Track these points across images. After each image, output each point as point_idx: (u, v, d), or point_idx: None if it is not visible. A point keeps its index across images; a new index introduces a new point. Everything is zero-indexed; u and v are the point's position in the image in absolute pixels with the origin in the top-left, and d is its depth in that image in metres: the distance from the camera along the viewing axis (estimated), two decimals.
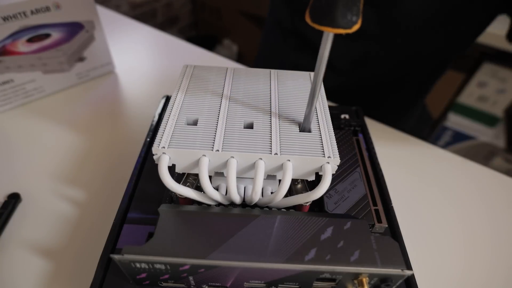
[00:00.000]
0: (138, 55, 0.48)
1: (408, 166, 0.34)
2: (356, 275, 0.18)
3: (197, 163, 0.19)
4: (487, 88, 0.91)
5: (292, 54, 0.51)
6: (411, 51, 0.42)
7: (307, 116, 0.20)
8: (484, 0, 0.37)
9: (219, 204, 0.22)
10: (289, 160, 0.19)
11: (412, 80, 0.47)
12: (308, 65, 0.49)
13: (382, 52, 0.43)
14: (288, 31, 0.50)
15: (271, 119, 0.22)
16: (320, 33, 0.17)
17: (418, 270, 0.23)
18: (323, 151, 0.20)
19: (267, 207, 0.22)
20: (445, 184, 0.32)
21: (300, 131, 0.21)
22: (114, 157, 0.32)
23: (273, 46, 0.55)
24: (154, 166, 0.21)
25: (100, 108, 0.38)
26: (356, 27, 0.15)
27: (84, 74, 0.41)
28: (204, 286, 0.20)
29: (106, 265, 0.20)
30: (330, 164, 0.19)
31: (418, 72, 0.46)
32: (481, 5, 0.37)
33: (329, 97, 0.41)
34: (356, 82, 0.48)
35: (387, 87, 0.48)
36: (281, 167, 0.20)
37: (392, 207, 0.24)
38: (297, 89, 0.25)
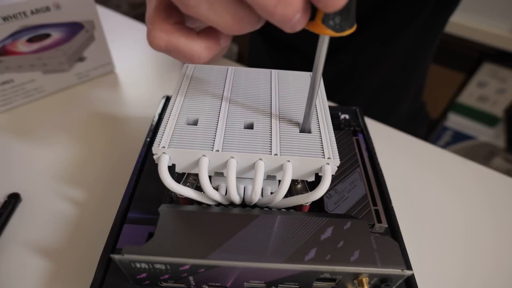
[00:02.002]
0: (138, 55, 0.48)
1: (408, 166, 0.34)
2: (356, 275, 0.18)
3: (197, 163, 0.19)
4: (487, 88, 0.91)
5: (275, 55, 0.54)
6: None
7: (306, 117, 0.20)
8: None
9: (219, 204, 0.22)
10: (289, 161, 0.19)
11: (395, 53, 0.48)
12: (288, 63, 0.51)
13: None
14: (266, 34, 0.53)
15: (271, 120, 0.22)
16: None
17: (418, 270, 0.23)
18: (323, 152, 0.20)
19: (267, 207, 0.22)
20: (445, 184, 0.32)
21: (300, 132, 0.21)
22: (114, 157, 0.32)
23: (258, 48, 0.58)
24: (154, 166, 0.21)
25: (100, 108, 0.38)
26: (349, 31, 0.15)
27: (84, 74, 0.41)
28: (204, 286, 0.20)
29: (106, 265, 0.20)
30: (330, 165, 0.19)
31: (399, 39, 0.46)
32: None
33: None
34: (337, 66, 0.49)
35: (370, 65, 0.49)
36: (281, 168, 0.20)
37: (392, 207, 0.24)
38: (297, 90, 0.25)
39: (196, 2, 0.15)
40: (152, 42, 0.18)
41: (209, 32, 0.18)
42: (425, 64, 0.53)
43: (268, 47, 0.54)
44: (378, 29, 0.44)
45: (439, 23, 0.46)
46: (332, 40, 0.45)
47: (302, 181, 0.24)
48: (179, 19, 0.18)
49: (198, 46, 0.18)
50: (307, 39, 0.47)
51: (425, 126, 0.63)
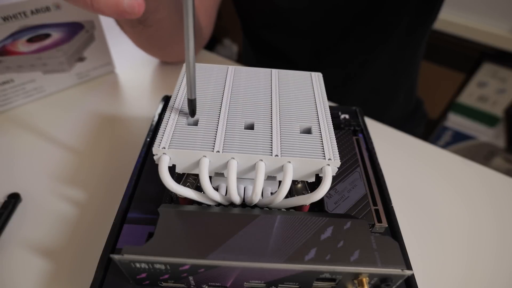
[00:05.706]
0: (138, 55, 0.48)
1: (408, 166, 0.34)
2: (356, 275, 0.18)
3: (197, 164, 0.19)
4: (487, 88, 0.91)
5: (262, 58, 0.56)
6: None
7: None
8: None
9: (219, 204, 0.22)
10: (289, 162, 0.19)
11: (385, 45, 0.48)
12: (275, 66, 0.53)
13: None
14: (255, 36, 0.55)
15: (271, 120, 0.22)
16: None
17: (418, 270, 0.23)
18: (324, 153, 0.20)
19: (267, 207, 0.22)
20: (445, 184, 0.32)
21: (300, 133, 0.21)
22: (114, 157, 0.32)
23: (248, 50, 0.59)
24: (154, 166, 0.21)
25: (100, 108, 0.38)
26: None
27: (84, 74, 0.41)
28: (204, 286, 0.20)
29: (106, 265, 0.20)
30: (331, 166, 0.19)
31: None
32: None
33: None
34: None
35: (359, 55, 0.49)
36: (281, 169, 0.20)
37: (392, 207, 0.24)
38: (298, 90, 0.25)
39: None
40: None
41: None
42: (413, 67, 0.53)
43: (255, 50, 0.56)
44: (360, 41, 0.45)
45: (423, 27, 0.47)
46: (316, 52, 0.46)
47: (302, 180, 0.24)
48: None
49: None
50: (292, 44, 0.48)
51: (422, 125, 0.63)
